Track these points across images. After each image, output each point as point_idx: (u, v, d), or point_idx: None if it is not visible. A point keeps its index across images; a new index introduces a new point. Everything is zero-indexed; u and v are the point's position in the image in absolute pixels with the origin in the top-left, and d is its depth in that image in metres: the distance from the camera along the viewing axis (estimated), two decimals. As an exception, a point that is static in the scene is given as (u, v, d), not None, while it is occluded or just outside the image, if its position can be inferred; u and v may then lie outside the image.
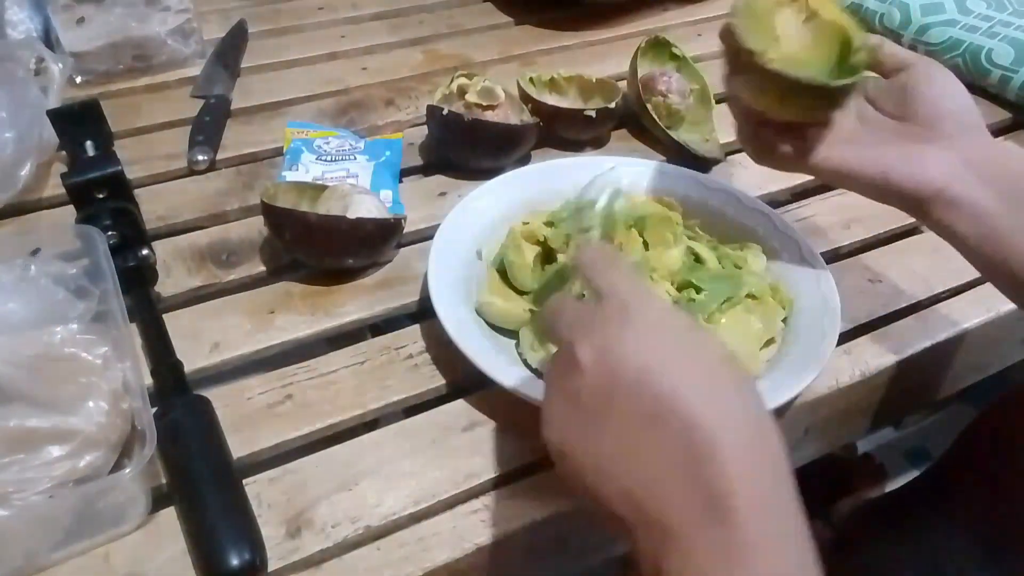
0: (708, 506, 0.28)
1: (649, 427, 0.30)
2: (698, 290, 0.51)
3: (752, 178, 0.68)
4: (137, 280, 0.53)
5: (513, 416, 0.47)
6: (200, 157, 0.67)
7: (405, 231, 0.60)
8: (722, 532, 0.28)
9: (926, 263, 0.60)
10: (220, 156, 0.69)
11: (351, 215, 0.55)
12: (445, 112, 0.64)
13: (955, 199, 0.44)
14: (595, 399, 0.32)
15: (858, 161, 0.46)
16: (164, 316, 0.53)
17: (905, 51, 0.49)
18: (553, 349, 0.49)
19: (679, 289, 0.52)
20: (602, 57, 0.86)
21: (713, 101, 0.74)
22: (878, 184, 0.46)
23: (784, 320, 0.52)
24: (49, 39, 0.77)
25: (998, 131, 0.75)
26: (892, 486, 1.00)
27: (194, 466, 0.43)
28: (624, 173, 0.62)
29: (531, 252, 0.54)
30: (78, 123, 0.61)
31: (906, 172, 0.45)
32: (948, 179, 0.44)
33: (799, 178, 0.69)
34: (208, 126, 0.70)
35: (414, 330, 0.54)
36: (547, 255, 0.54)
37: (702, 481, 0.29)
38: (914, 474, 0.92)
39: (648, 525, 0.29)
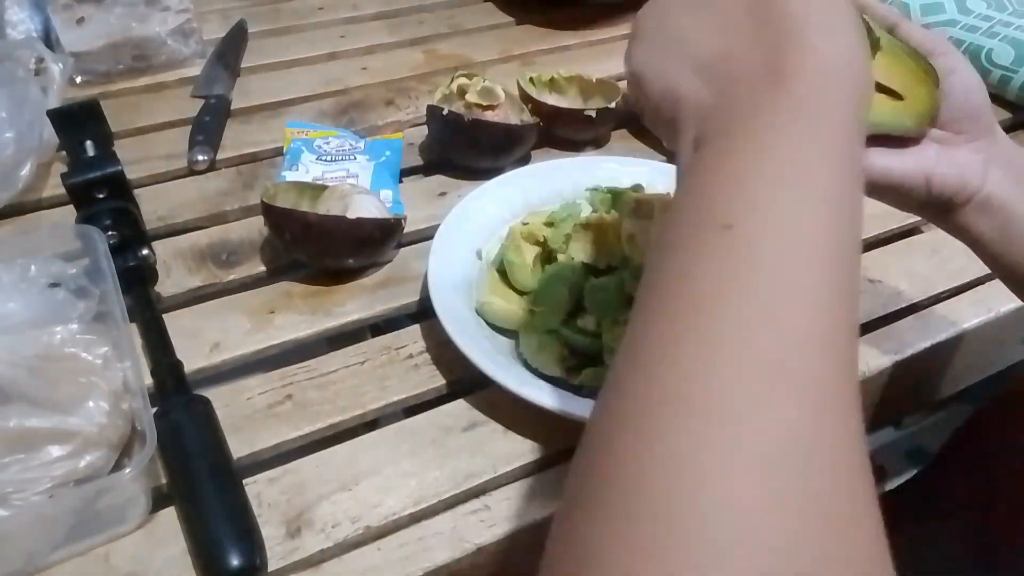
0: (773, 75, 0.27)
1: (750, 13, 0.29)
2: None
3: (752, 178, 0.68)
4: (137, 280, 0.53)
5: (513, 416, 0.47)
6: (200, 157, 0.67)
7: (405, 231, 0.60)
8: (777, 97, 0.27)
9: (926, 263, 0.60)
10: (220, 156, 0.69)
11: (351, 215, 0.55)
12: (445, 112, 0.64)
13: (987, 201, 0.42)
14: None
15: (901, 168, 0.42)
16: (164, 316, 0.53)
17: (920, 32, 0.44)
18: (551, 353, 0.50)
19: None
20: (602, 57, 0.86)
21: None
22: (918, 191, 0.42)
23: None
24: (49, 39, 0.77)
25: (998, 131, 0.75)
26: (892, 486, 1.00)
27: (194, 466, 0.43)
28: (624, 173, 0.62)
29: (531, 252, 0.54)
30: (78, 123, 0.61)
31: (950, 175, 0.41)
32: (983, 180, 0.41)
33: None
34: (208, 126, 0.70)
35: (414, 330, 0.54)
36: (547, 255, 0.54)
37: (776, 56, 0.28)
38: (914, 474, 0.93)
39: (704, 97, 0.29)
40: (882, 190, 0.43)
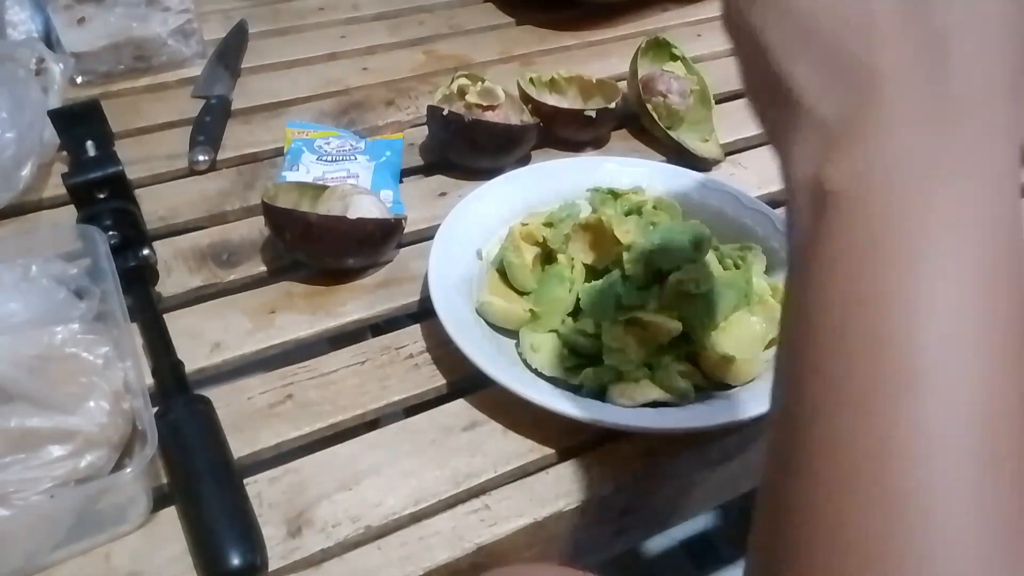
0: (934, 104, 0.22)
1: (903, 3, 0.23)
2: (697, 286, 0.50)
3: (752, 178, 0.68)
4: (138, 280, 0.53)
5: (513, 416, 0.48)
6: (201, 157, 0.67)
7: (405, 231, 0.60)
8: (934, 137, 0.22)
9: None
10: (221, 156, 0.69)
11: (351, 215, 0.55)
12: (445, 112, 0.65)
13: None
14: None
15: None
16: (165, 316, 0.53)
17: None
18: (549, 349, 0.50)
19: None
20: (602, 57, 0.86)
21: (713, 101, 0.74)
22: None
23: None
24: (50, 39, 0.77)
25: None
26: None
27: (195, 466, 0.43)
28: (624, 173, 0.62)
29: (530, 253, 0.54)
30: (79, 123, 0.61)
31: None
32: None
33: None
34: (209, 126, 0.71)
35: (414, 330, 0.54)
36: (546, 256, 0.55)
37: (941, 81, 0.22)
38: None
39: (830, 112, 0.23)
40: None
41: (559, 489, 0.45)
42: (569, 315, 0.52)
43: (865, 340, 0.21)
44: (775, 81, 0.25)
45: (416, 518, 0.43)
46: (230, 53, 0.82)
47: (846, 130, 0.23)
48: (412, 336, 0.53)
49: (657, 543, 1.05)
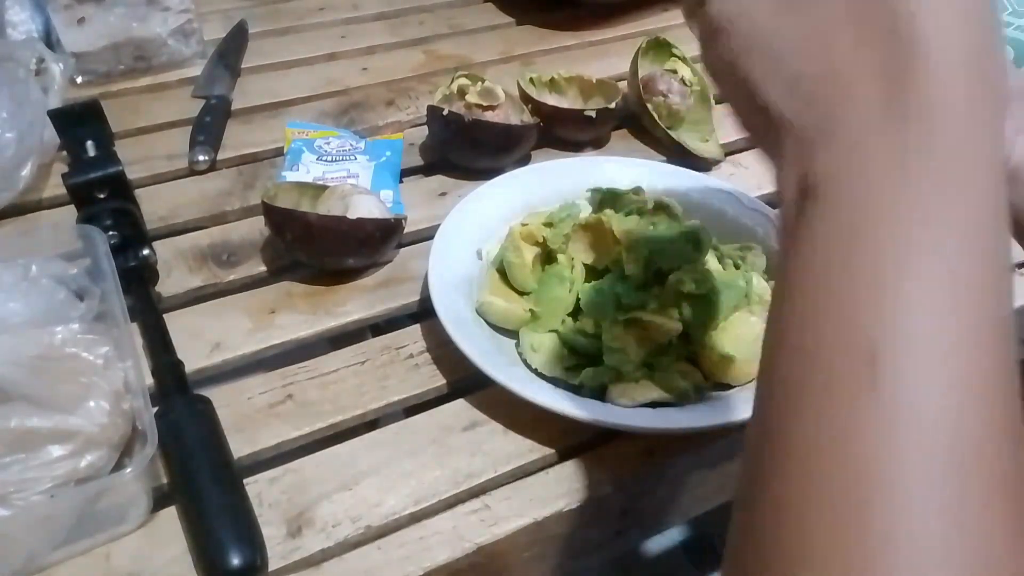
0: (895, 101, 0.23)
1: (854, 21, 0.24)
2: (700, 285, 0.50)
3: (752, 178, 0.68)
4: (138, 280, 0.53)
5: (513, 416, 0.48)
6: (201, 157, 0.67)
7: (405, 231, 0.60)
8: (903, 133, 0.22)
9: (926, 263, 0.60)
10: (221, 156, 0.69)
11: (351, 215, 0.55)
12: (445, 112, 0.65)
13: (1016, 172, 0.40)
14: None
15: None
16: (165, 316, 0.53)
17: None
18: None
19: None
20: (602, 57, 0.86)
21: (713, 101, 0.74)
22: None
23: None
24: (50, 39, 0.77)
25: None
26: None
27: (195, 466, 0.43)
28: (624, 173, 0.62)
29: (530, 253, 0.54)
30: (79, 123, 0.61)
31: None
32: (1010, 150, 0.39)
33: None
34: (209, 126, 0.71)
35: (414, 330, 0.54)
36: (546, 256, 0.55)
37: (897, 73, 0.23)
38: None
39: (807, 123, 0.24)
40: None
41: (559, 489, 0.45)
42: (569, 315, 0.52)
43: (833, 330, 0.22)
44: (760, 106, 0.26)
45: (416, 518, 0.43)
46: (230, 53, 0.82)
47: (824, 136, 0.24)
48: (412, 336, 0.53)
49: (657, 543, 1.05)
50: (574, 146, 0.72)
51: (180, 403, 0.46)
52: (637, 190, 0.59)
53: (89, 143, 0.61)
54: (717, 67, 0.28)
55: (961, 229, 0.22)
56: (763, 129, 0.27)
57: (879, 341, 0.21)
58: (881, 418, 0.20)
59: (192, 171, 0.68)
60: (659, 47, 0.78)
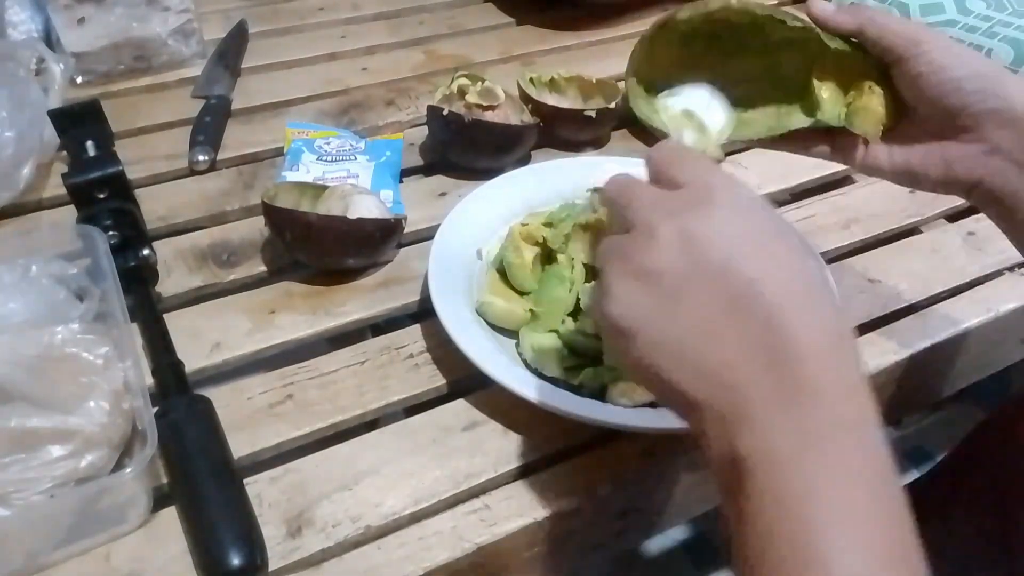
0: (788, 390, 0.28)
1: (731, 312, 0.30)
2: None
3: (752, 178, 0.68)
4: (138, 280, 0.53)
5: (513, 416, 0.48)
6: (201, 157, 0.67)
7: (405, 231, 0.60)
8: (799, 416, 0.28)
9: (926, 263, 0.61)
10: (221, 156, 0.69)
11: (351, 215, 0.55)
12: (445, 112, 0.65)
13: (989, 193, 0.42)
14: (674, 280, 0.31)
15: (920, 160, 0.45)
16: (165, 316, 0.53)
17: (892, 35, 0.44)
18: (533, 331, 0.50)
19: None
20: (602, 57, 0.86)
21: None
22: (912, 182, 0.46)
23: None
24: (50, 39, 0.77)
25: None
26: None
27: (195, 466, 0.43)
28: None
29: (530, 253, 0.54)
30: (79, 123, 0.61)
31: (934, 170, 0.44)
32: (981, 172, 0.42)
33: (799, 178, 0.69)
34: (209, 126, 0.71)
35: (414, 330, 0.54)
36: (546, 256, 0.55)
37: (782, 369, 0.29)
38: (915, 474, 0.92)
39: (721, 407, 0.29)
40: (911, 180, 0.46)
41: (559, 489, 0.45)
42: (569, 315, 0.52)
43: None
44: (677, 393, 0.31)
45: (416, 518, 0.43)
46: (230, 53, 0.82)
47: (740, 419, 0.29)
48: (412, 336, 0.53)
49: (657, 543, 1.05)
50: (574, 146, 0.72)
51: (180, 403, 0.46)
52: None
53: (89, 143, 0.61)
54: (626, 362, 0.32)
55: (866, 478, 0.28)
56: (683, 408, 0.31)
57: None
58: None
59: (192, 171, 0.68)
60: (659, 47, 0.78)
